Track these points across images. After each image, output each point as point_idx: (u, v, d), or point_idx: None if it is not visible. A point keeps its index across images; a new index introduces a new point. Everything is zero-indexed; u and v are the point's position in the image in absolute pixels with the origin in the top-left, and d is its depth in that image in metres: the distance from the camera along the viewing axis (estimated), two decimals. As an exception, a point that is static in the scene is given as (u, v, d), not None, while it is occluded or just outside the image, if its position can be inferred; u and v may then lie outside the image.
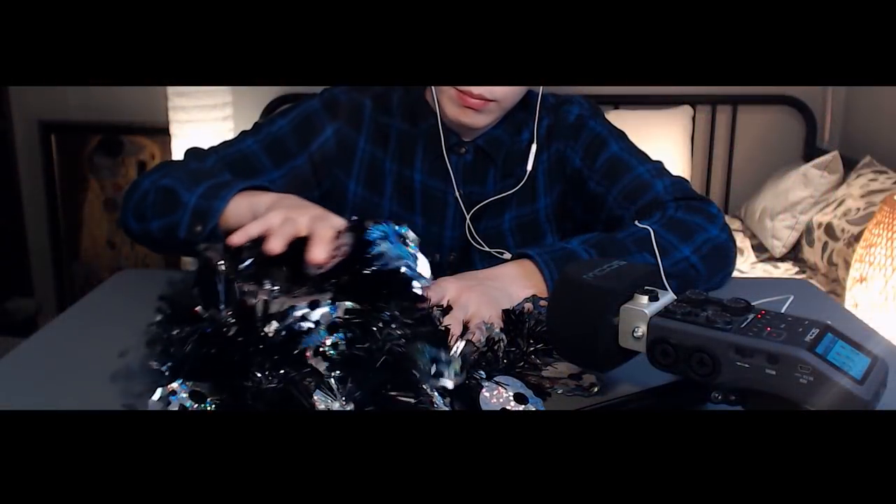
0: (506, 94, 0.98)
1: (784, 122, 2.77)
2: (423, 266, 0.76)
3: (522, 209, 1.08)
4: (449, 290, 0.77)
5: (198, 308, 0.60)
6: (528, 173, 1.05)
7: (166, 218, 0.89)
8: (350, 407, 0.56)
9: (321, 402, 0.55)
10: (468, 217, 1.05)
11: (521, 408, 0.63)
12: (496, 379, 0.65)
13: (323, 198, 1.09)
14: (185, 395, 0.56)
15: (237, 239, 0.67)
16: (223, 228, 0.84)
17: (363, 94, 1.08)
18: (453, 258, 0.87)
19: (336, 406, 0.55)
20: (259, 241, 0.67)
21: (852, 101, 2.66)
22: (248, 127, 1.09)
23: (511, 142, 1.07)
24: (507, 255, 1.03)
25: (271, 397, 0.56)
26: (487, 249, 1.06)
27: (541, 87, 1.08)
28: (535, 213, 1.08)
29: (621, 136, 1.08)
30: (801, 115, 2.72)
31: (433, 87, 1.03)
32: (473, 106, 0.97)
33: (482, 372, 0.66)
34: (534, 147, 1.06)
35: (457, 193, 1.06)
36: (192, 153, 1.03)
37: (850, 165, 2.29)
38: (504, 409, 0.63)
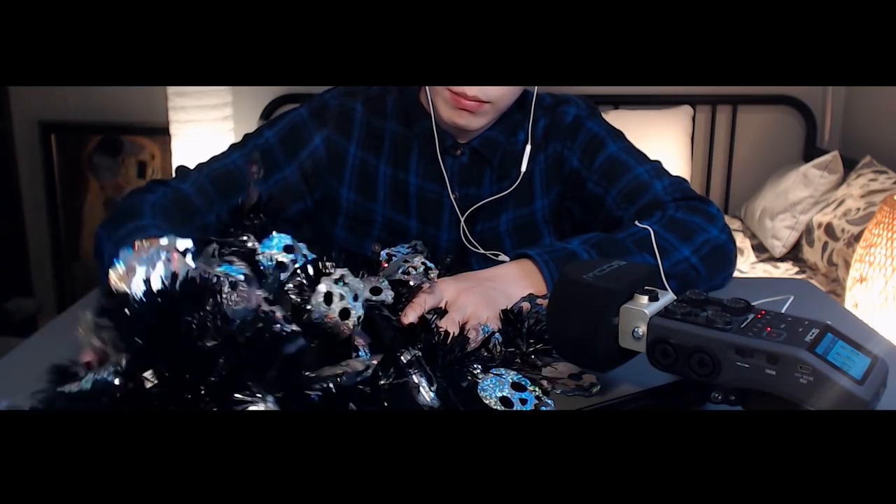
0: (500, 96, 0.97)
1: (784, 122, 2.77)
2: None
3: (519, 210, 1.08)
4: (447, 291, 0.77)
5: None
6: (522, 174, 1.05)
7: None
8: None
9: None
10: (462, 219, 1.05)
11: (518, 397, 0.64)
12: (493, 371, 0.66)
13: (317, 205, 1.09)
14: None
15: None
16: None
17: (355, 98, 1.07)
18: (449, 261, 0.87)
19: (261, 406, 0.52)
20: None
21: (852, 101, 2.66)
22: (248, 127, 1.09)
23: (507, 143, 1.06)
24: (503, 257, 1.03)
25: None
26: (482, 251, 1.05)
27: (535, 88, 1.07)
28: (532, 214, 1.08)
29: (619, 135, 1.07)
30: (801, 115, 2.72)
31: (427, 89, 1.02)
32: (468, 108, 0.96)
33: (478, 365, 0.66)
34: (528, 148, 1.05)
35: (451, 196, 1.05)
36: (179, 171, 1.03)
37: (850, 165, 2.29)
38: (503, 397, 0.63)
